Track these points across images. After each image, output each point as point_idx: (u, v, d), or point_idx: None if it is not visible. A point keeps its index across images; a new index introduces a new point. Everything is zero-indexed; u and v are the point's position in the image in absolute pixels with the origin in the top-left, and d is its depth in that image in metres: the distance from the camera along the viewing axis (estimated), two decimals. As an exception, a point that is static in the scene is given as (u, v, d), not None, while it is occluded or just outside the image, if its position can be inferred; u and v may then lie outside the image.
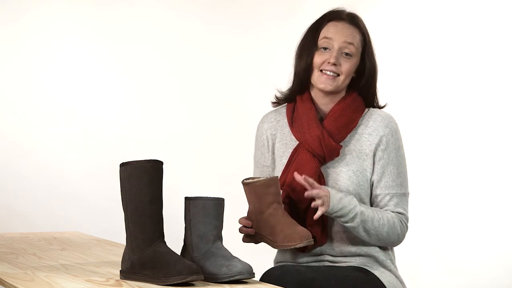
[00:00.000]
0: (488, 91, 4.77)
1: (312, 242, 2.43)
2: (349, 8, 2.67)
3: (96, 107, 4.97)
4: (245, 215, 2.57)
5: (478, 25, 4.80)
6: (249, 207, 2.54)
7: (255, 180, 2.49)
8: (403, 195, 2.62)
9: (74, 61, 4.95)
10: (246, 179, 2.52)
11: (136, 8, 5.06)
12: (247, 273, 2.23)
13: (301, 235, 2.40)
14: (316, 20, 2.66)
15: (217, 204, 2.32)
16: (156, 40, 5.09)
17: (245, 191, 2.52)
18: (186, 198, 2.34)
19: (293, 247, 2.41)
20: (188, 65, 5.14)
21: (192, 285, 2.19)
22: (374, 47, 2.67)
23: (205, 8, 5.16)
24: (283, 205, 2.52)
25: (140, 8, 5.06)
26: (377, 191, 2.60)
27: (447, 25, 4.89)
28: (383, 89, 2.74)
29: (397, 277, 2.65)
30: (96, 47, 4.99)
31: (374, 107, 2.69)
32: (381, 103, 2.71)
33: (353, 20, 2.64)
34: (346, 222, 2.51)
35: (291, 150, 2.64)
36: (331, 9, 2.67)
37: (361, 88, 2.65)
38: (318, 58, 2.60)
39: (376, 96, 2.69)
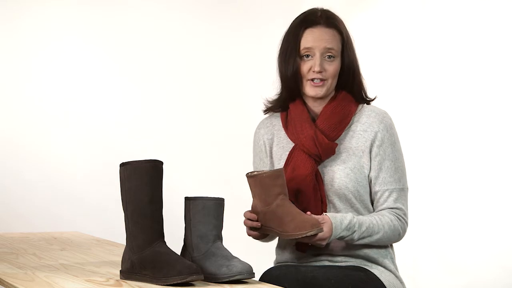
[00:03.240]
0: (485, 85, 4.77)
1: (322, 230, 2.42)
2: (325, 6, 2.66)
3: (96, 107, 4.97)
4: (244, 214, 2.57)
5: (472, 22, 4.80)
6: (253, 201, 2.53)
7: (260, 172, 2.47)
8: (402, 190, 2.62)
9: (74, 61, 4.95)
10: (250, 172, 2.51)
11: (136, 8, 5.06)
12: (247, 273, 2.23)
13: (311, 223, 2.39)
14: (293, 26, 2.65)
15: (217, 204, 2.32)
16: (156, 40, 5.09)
17: (250, 184, 2.51)
18: (186, 198, 2.34)
19: (304, 235, 2.39)
20: (187, 66, 5.14)
21: (192, 285, 2.19)
22: (353, 43, 2.67)
23: (205, 8, 5.16)
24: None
25: (139, 8, 5.06)
26: (376, 187, 2.61)
27: (441, 23, 4.90)
28: (380, 85, 2.74)
29: (397, 276, 2.65)
30: (96, 47, 4.99)
31: (365, 101, 2.69)
32: (370, 96, 2.71)
33: (329, 22, 2.63)
34: (348, 241, 2.55)
35: (287, 153, 2.65)
36: (305, 12, 2.66)
37: (345, 84, 2.66)
38: (303, 67, 2.61)
39: (363, 90, 2.69)
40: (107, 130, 4.97)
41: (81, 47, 4.96)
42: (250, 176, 2.49)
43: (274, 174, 2.45)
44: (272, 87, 2.78)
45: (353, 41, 2.67)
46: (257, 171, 2.51)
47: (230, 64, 5.18)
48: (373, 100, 2.71)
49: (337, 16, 2.66)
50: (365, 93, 2.70)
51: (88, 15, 4.95)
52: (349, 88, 2.66)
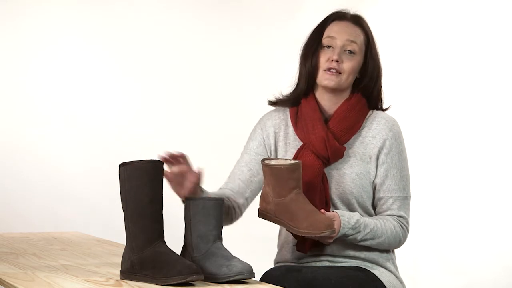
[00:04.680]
0: (491, 94, 4.78)
1: (335, 232, 2.42)
2: (353, 10, 2.69)
3: (96, 107, 4.97)
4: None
5: (481, 25, 4.80)
6: (265, 188, 2.49)
7: (279, 163, 2.42)
8: (405, 199, 2.63)
9: (74, 61, 4.95)
10: (267, 160, 2.46)
11: (136, 8, 5.06)
12: (247, 273, 2.23)
13: (326, 224, 2.37)
14: (321, 21, 2.68)
15: (217, 204, 2.32)
16: (156, 40, 5.09)
17: (264, 172, 2.45)
18: (186, 198, 2.34)
19: (318, 235, 2.38)
20: (188, 66, 5.14)
21: (192, 285, 2.19)
22: (378, 49, 2.67)
23: (205, 8, 5.16)
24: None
25: (139, 8, 5.06)
26: (380, 194, 2.61)
27: (449, 26, 4.90)
28: (386, 91, 2.74)
29: (397, 277, 2.65)
30: (96, 47, 4.99)
31: (377, 109, 2.69)
32: (384, 106, 2.71)
33: (357, 21, 2.66)
34: (350, 240, 2.54)
35: (293, 150, 2.64)
36: (335, 10, 2.68)
37: (364, 88, 2.65)
38: (322, 57, 2.62)
39: (381, 98, 2.70)
40: (107, 130, 4.97)
41: (81, 47, 4.96)
42: (266, 165, 2.44)
43: (292, 167, 2.40)
44: (273, 86, 2.78)
45: (378, 48, 2.67)
46: (270, 159, 2.46)
47: (230, 64, 5.18)
48: (387, 109, 2.71)
49: (366, 21, 2.68)
50: (382, 103, 2.70)
51: (88, 15, 4.95)
52: (368, 92, 2.66)
